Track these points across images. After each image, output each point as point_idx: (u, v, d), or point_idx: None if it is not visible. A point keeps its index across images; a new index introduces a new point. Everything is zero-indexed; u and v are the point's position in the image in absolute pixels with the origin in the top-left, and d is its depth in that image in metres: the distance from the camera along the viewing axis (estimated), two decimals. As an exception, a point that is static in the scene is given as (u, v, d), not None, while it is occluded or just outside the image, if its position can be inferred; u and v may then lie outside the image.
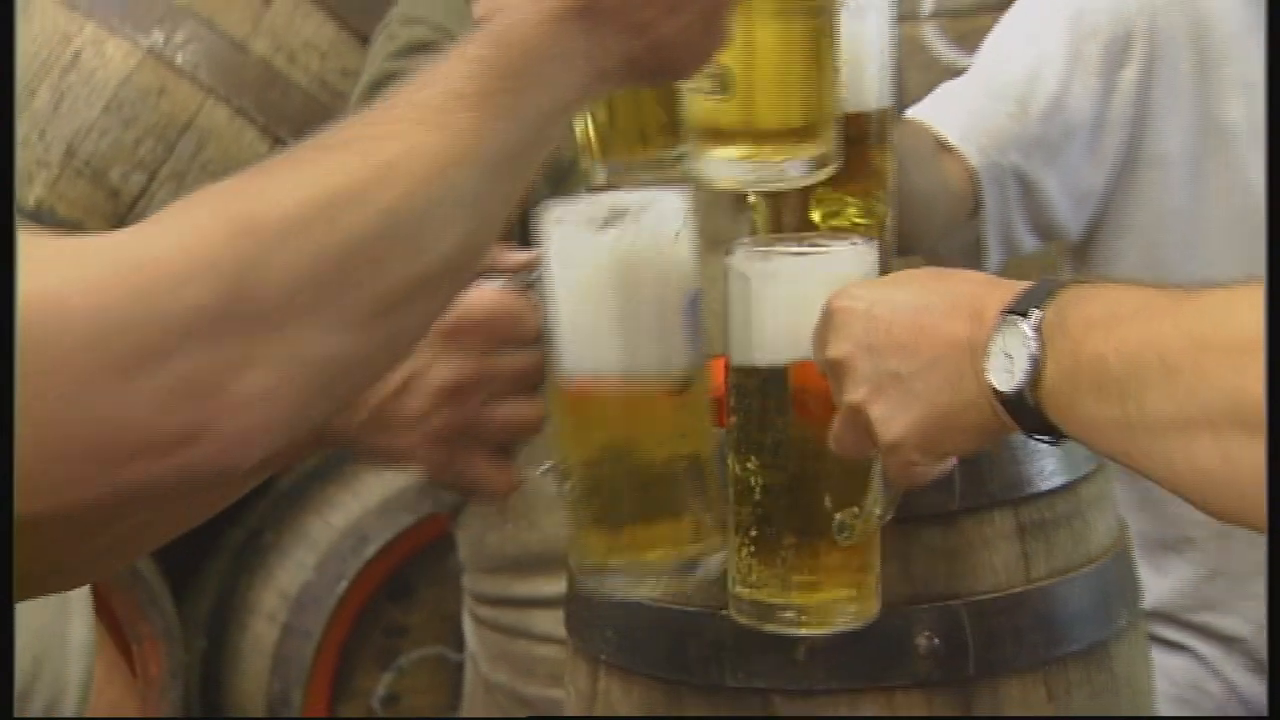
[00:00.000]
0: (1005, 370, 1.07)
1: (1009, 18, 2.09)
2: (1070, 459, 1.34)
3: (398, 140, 1.00)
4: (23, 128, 2.54)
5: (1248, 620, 2.05)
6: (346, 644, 2.47)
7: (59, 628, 1.77)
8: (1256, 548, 2.06)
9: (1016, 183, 1.89)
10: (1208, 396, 0.96)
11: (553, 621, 1.82)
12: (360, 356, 0.99)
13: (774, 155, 1.29)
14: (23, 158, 2.48)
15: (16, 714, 1.70)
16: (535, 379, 1.31)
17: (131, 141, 2.42)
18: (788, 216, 1.43)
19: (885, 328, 1.17)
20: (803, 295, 1.22)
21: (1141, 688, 1.38)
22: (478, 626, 2.04)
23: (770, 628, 1.27)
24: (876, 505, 1.25)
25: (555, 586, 1.75)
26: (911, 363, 1.16)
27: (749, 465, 1.28)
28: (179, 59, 2.42)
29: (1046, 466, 1.32)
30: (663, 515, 1.28)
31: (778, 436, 1.25)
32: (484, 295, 1.30)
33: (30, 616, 1.72)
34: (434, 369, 1.29)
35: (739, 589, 1.28)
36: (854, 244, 1.29)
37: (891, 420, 1.16)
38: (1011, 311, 1.07)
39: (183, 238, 0.92)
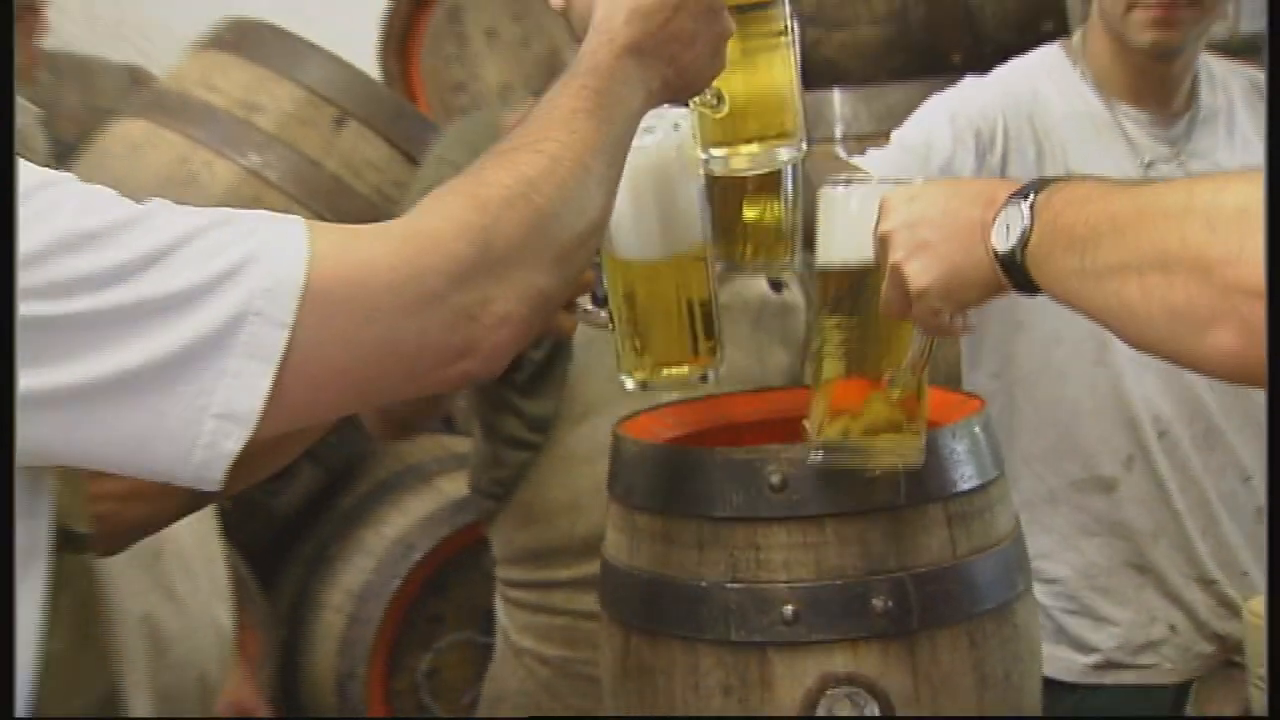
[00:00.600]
0: (1003, 237, 1.18)
1: (908, 121, 2.15)
2: (981, 466, 1.37)
3: (553, 141, 1.16)
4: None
5: (1068, 566, 2.09)
6: (397, 630, 2.47)
7: (211, 616, 1.76)
8: (1081, 512, 2.07)
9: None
10: (1139, 247, 1.07)
11: (565, 598, 1.89)
12: (555, 288, 1.14)
13: (761, 148, 1.38)
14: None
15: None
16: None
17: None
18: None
19: (921, 210, 1.28)
20: (869, 210, 1.33)
21: (1035, 636, 1.40)
22: (507, 605, 2.02)
23: (839, 465, 1.34)
24: (914, 356, 1.33)
25: (568, 571, 1.83)
26: (937, 234, 1.26)
27: (837, 338, 1.37)
28: (270, 175, 2.44)
29: (966, 472, 1.34)
30: (679, 341, 1.44)
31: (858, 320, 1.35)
32: None
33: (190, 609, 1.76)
34: None
35: (818, 437, 1.35)
36: (899, 181, 1.41)
37: (921, 274, 1.26)
38: (1015, 195, 1.18)
39: (442, 215, 1.10)
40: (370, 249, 1.06)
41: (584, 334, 1.80)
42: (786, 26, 1.38)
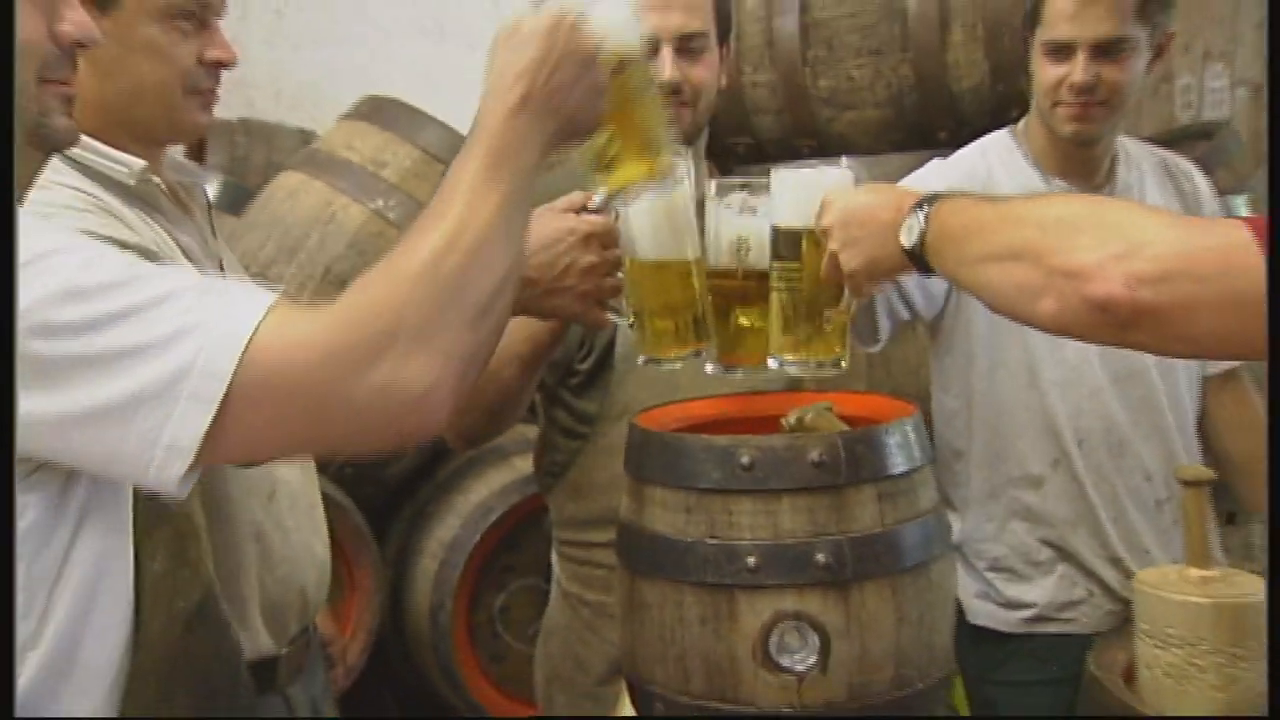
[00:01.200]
0: (908, 236, 1.30)
1: (906, 183, 2.12)
2: (909, 456, 1.37)
3: (458, 207, 1.07)
4: (299, 260, 2.54)
5: (1005, 546, 2.09)
6: (478, 575, 2.49)
7: (310, 548, 1.74)
8: (1015, 503, 2.08)
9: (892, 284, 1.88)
10: (995, 243, 1.19)
11: (603, 555, 1.81)
12: (478, 343, 1.05)
13: (646, 174, 1.35)
14: (298, 275, 2.51)
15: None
16: (619, 263, 1.45)
17: (364, 265, 2.30)
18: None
19: (851, 211, 1.36)
20: (814, 189, 1.41)
21: (949, 590, 1.42)
22: (560, 560, 2.03)
23: (792, 371, 1.49)
24: (843, 305, 1.45)
25: (605, 536, 1.71)
26: (862, 231, 1.35)
27: (781, 279, 1.45)
28: (391, 216, 2.50)
29: (896, 460, 1.35)
30: (682, 331, 1.48)
31: (797, 266, 1.44)
32: (594, 219, 1.43)
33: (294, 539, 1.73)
34: (578, 260, 1.44)
35: (773, 353, 1.48)
36: (839, 168, 1.50)
37: (851, 260, 1.36)
38: (916, 204, 1.29)
39: (364, 296, 1.02)
40: (306, 329, 1.00)
41: (622, 349, 1.83)
42: (652, 79, 1.33)
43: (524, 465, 2.47)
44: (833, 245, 1.37)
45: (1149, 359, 1.98)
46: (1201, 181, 2.12)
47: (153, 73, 1.39)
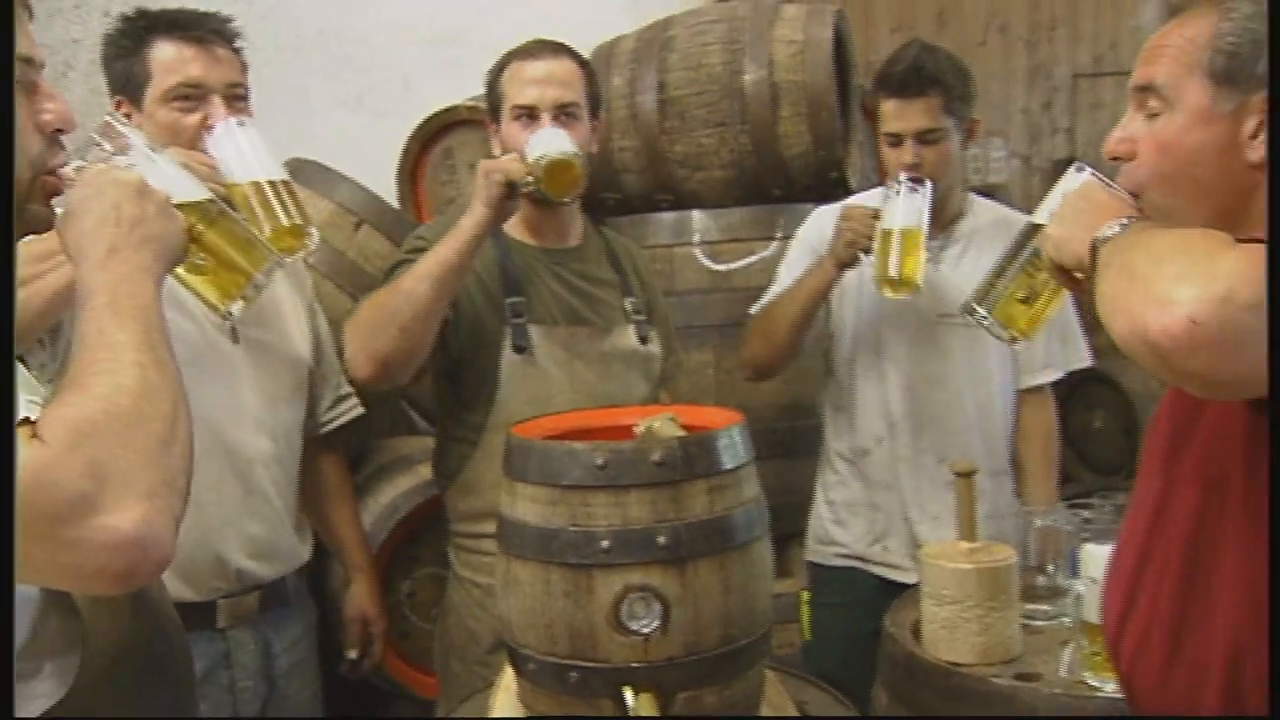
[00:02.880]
0: (1104, 232, 1.09)
1: (804, 227, 2.27)
2: (735, 456, 1.36)
3: (107, 360, 0.89)
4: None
5: (839, 496, 2.22)
6: (388, 564, 2.39)
7: (236, 525, 1.72)
8: (851, 466, 2.19)
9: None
10: (1153, 236, 1.02)
11: (490, 545, 1.69)
12: (173, 469, 0.89)
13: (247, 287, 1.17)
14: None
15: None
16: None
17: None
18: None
19: (1079, 199, 1.17)
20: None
21: (766, 565, 1.41)
22: (454, 550, 1.99)
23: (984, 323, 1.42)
24: (1039, 287, 1.36)
25: (492, 527, 1.62)
26: (1074, 213, 1.17)
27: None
28: (311, 260, 2.30)
29: (724, 459, 1.34)
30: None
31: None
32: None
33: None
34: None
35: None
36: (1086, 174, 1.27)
37: (1052, 227, 1.20)
38: (1124, 220, 1.09)
39: (76, 449, 0.81)
40: (27, 458, 0.80)
41: (507, 367, 1.83)
42: (222, 211, 1.17)
43: (426, 472, 2.42)
44: (1058, 216, 1.20)
45: (960, 368, 2.09)
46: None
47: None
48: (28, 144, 0.96)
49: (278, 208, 1.36)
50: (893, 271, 1.94)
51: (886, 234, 1.95)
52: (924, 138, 2.03)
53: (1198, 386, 0.97)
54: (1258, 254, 0.91)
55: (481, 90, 2.90)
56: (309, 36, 3.75)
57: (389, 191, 2.93)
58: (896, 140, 2.05)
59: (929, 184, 1.96)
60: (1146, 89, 1.13)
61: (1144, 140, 1.14)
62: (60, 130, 1.00)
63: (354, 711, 2.27)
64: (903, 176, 1.98)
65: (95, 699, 0.98)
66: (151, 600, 1.10)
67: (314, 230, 1.39)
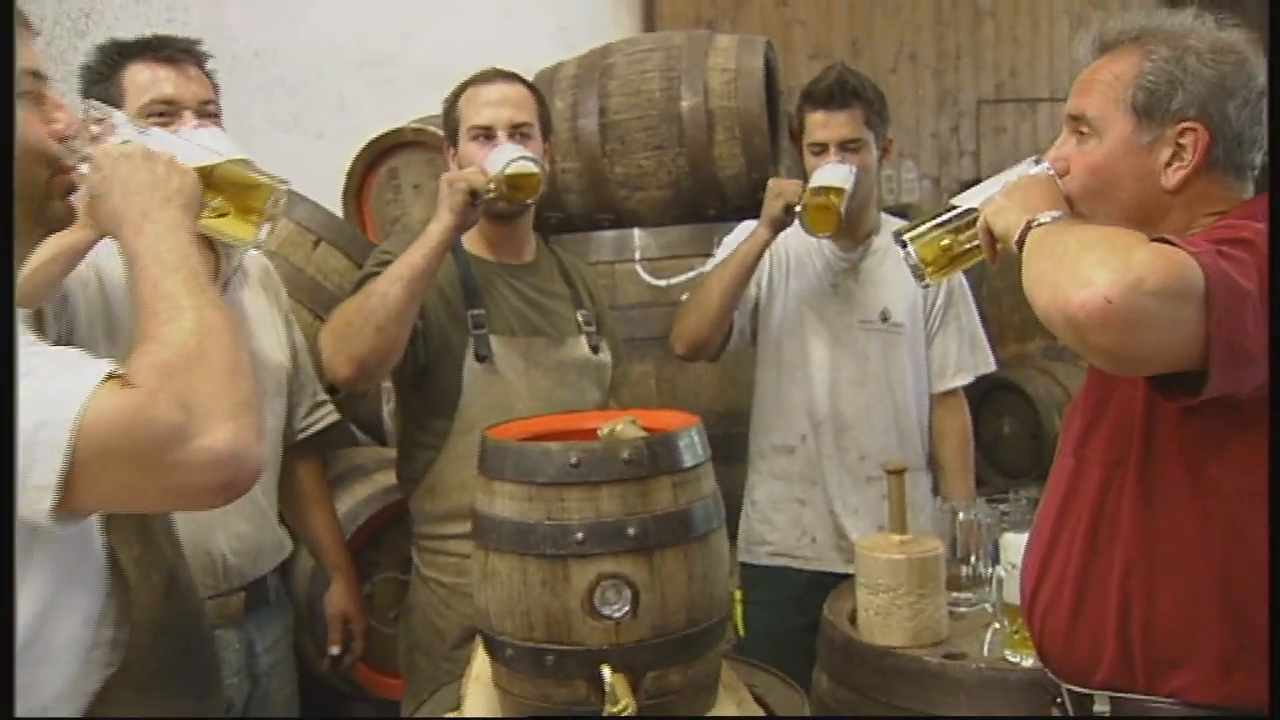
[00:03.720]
0: (1036, 218, 1.18)
1: (732, 235, 2.33)
2: (694, 454, 1.42)
3: (187, 307, 0.99)
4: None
5: (764, 494, 2.30)
6: None
7: (226, 525, 1.75)
8: (774, 464, 2.28)
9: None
10: (1074, 228, 1.14)
11: (456, 545, 1.89)
12: (243, 396, 0.97)
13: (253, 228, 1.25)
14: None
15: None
16: None
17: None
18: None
19: (1015, 188, 1.27)
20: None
21: (724, 554, 1.47)
22: (420, 551, 2.03)
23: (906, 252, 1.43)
24: (965, 238, 1.39)
25: (458, 528, 1.80)
26: (1010, 202, 1.26)
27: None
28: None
29: (686, 457, 1.40)
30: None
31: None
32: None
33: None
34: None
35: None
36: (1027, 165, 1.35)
37: (989, 209, 1.28)
38: (1052, 210, 1.19)
39: (169, 381, 0.94)
40: (123, 402, 0.91)
41: (470, 375, 1.89)
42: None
43: (383, 480, 2.45)
44: (1007, 188, 1.29)
45: (877, 371, 2.21)
46: None
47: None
48: (44, 148, 1.04)
49: (258, 168, 1.35)
50: (820, 181, 2.06)
51: (815, 188, 2.10)
52: (846, 146, 2.18)
53: (1104, 359, 1.08)
54: (1168, 250, 1.05)
55: (412, 112, 3.03)
56: (244, 58, 3.77)
57: (334, 211, 2.92)
58: (821, 149, 2.19)
59: (854, 169, 2.10)
60: (1079, 117, 1.27)
61: (1075, 160, 1.28)
62: (70, 137, 1.07)
63: (315, 713, 2.26)
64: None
65: (143, 671, 1.07)
66: (183, 585, 1.19)
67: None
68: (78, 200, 1.10)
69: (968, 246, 1.39)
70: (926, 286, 1.55)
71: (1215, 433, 1.16)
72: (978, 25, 5.95)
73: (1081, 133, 1.27)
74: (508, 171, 1.79)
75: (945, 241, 1.40)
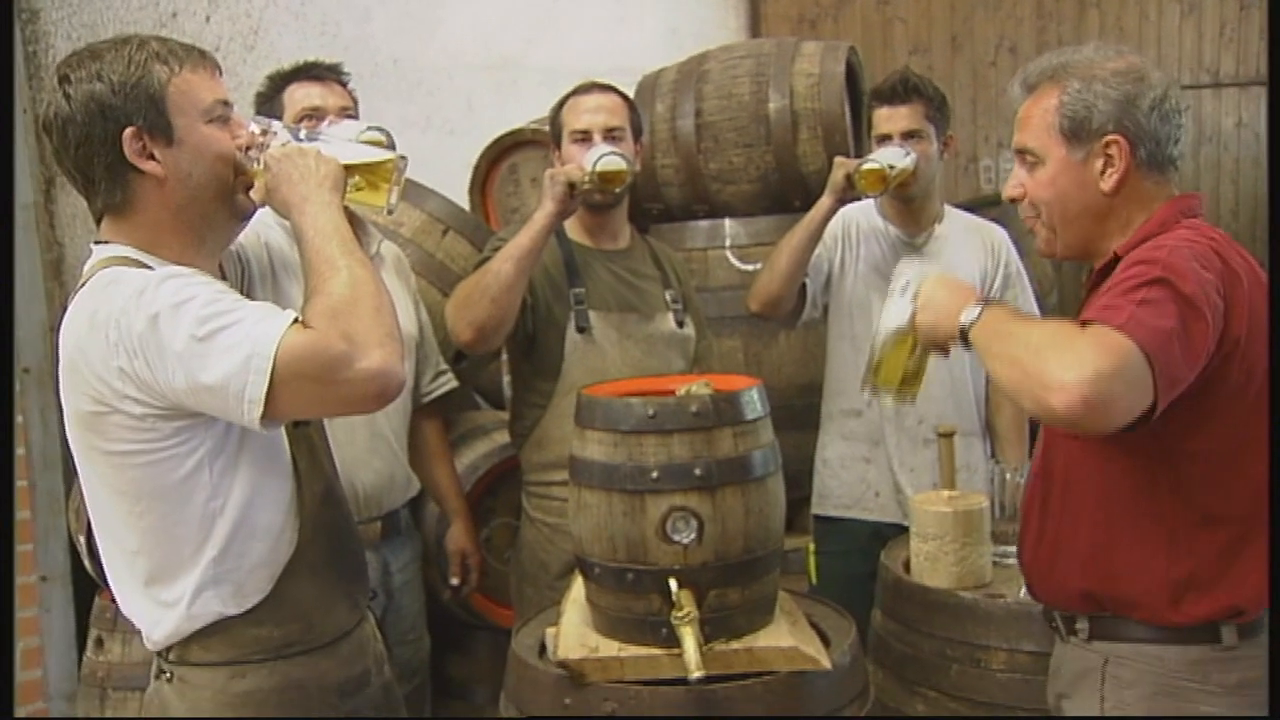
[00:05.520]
0: (965, 317, 1.37)
1: None
2: (754, 409, 1.54)
3: (344, 267, 1.22)
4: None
5: (835, 453, 2.44)
6: (470, 515, 2.41)
7: (365, 462, 1.99)
8: (844, 425, 2.43)
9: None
10: (1005, 351, 1.27)
11: (559, 490, 2.06)
12: (387, 331, 1.19)
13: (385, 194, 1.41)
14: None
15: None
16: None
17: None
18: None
19: (935, 290, 1.44)
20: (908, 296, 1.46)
21: (779, 494, 1.59)
22: (528, 496, 2.22)
23: (875, 397, 1.59)
24: (914, 355, 1.52)
25: (560, 475, 1.89)
26: (937, 303, 1.43)
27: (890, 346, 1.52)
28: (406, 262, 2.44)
29: (747, 410, 1.53)
30: None
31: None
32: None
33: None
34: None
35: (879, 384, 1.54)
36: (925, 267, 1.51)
37: (924, 318, 1.44)
38: (976, 303, 1.38)
39: (335, 322, 1.18)
40: (310, 338, 1.15)
41: (571, 344, 2.10)
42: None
43: (500, 438, 2.66)
44: (917, 304, 1.48)
45: None
46: (1000, 234, 2.51)
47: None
48: (231, 156, 1.32)
49: (383, 149, 1.55)
50: (874, 157, 2.22)
51: (869, 159, 2.25)
52: (908, 137, 2.33)
53: (1089, 431, 1.27)
54: (1103, 335, 1.19)
55: (534, 111, 3.20)
56: (384, 65, 4.02)
57: (460, 202, 3.12)
58: (886, 140, 2.34)
59: (913, 153, 2.25)
60: (1023, 151, 1.46)
61: (1028, 186, 1.46)
62: (249, 147, 1.35)
63: (442, 636, 2.48)
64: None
65: (313, 555, 1.34)
66: (337, 495, 1.45)
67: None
68: (254, 193, 1.37)
69: (919, 358, 1.55)
70: (912, 403, 1.69)
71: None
72: (1082, 17, 5.86)
73: (1029, 162, 1.45)
74: (599, 168, 2.02)
75: (901, 369, 1.55)
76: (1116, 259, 1.39)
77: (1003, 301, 1.44)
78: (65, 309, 1.26)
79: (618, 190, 2.08)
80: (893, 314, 1.53)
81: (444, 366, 2.31)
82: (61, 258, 3.12)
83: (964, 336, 1.37)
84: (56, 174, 3.39)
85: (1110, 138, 1.39)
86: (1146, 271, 1.26)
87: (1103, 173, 1.40)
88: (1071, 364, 1.16)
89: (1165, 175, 1.43)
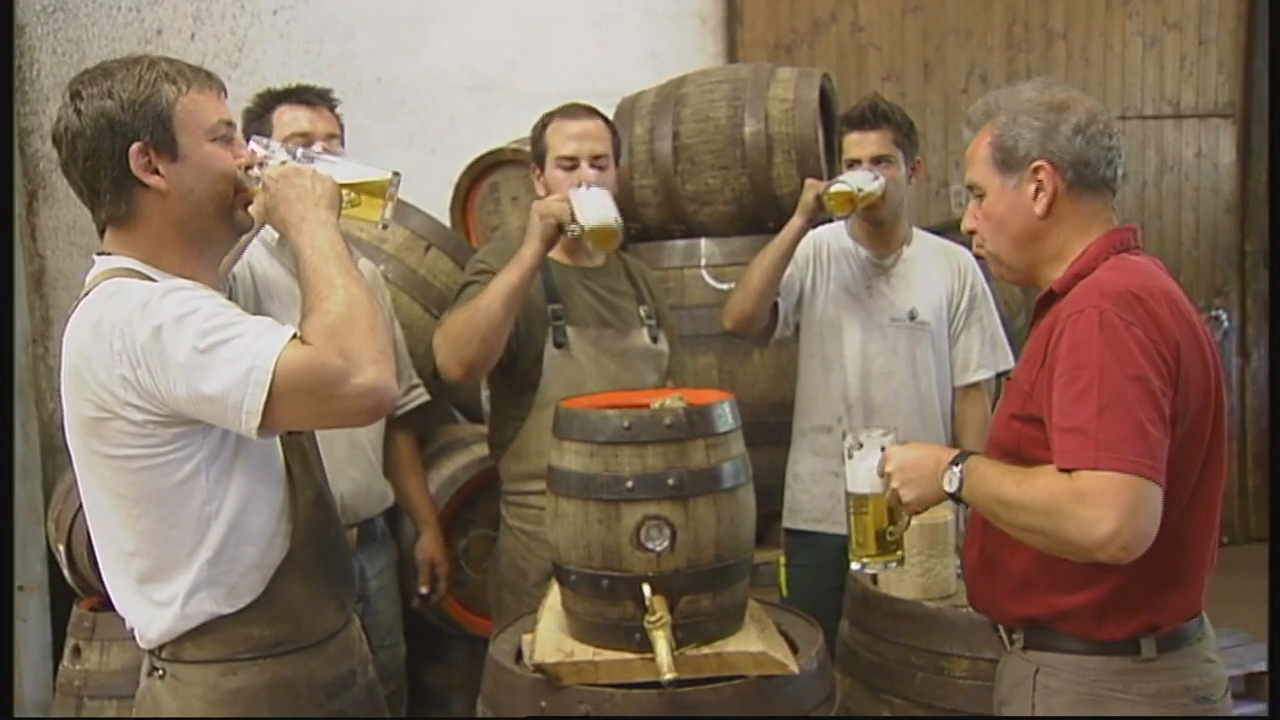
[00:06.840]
0: (949, 483, 1.44)
1: None
2: (725, 422, 1.57)
3: (341, 286, 1.23)
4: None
5: (805, 469, 2.47)
6: (449, 525, 2.51)
7: (344, 473, 1.99)
8: (814, 441, 2.46)
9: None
10: (1015, 519, 1.35)
11: (536, 499, 2.09)
12: (381, 348, 1.21)
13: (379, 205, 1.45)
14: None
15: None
16: None
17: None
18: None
19: (905, 462, 1.50)
20: (873, 461, 1.52)
21: (749, 504, 1.62)
22: (507, 506, 2.23)
23: (870, 570, 1.60)
24: (902, 524, 1.57)
25: (539, 485, 1.86)
26: (916, 474, 1.49)
27: (857, 515, 1.56)
28: (390, 275, 2.60)
29: (718, 424, 1.56)
30: None
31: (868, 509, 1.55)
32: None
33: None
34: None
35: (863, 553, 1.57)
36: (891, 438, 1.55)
37: (908, 494, 1.50)
38: (952, 461, 1.44)
39: (332, 340, 1.20)
40: (308, 354, 1.18)
41: (549, 359, 2.13)
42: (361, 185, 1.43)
43: (479, 451, 2.67)
44: (894, 484, 1.51)
45: (904, 363, 2.40)
46: (966, 256, 2.55)
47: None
48: (232, 174, 1.36)
49: (373, 168, 1.55)
50: (843, 179, 2.26)
51: (837, 182, 2.31)
52: (877, 162, 2.39)
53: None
54: (1088, 483, 1.25)
55: (515, 131, 3.18)
56: (368, 84, 4.05)
57: (442, 220, 3.15)
58: (856, 164, 2.40)
59: (881, 177, 2.31)
60: (971, 186, 1.56)
61: (979, 216, 1.56)
62: (249, 166, 1.38)
63: (419, 643, 2.51)
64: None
65: (303, 558, 1.37)
66: (326, 500, 1.48)
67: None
68: (253, 210, 1.41)
69: (896, 525, 1.59)
70: (901, 565, 1.69)
71: None
72: (1049, 48, 5.98)
73: (978, 196, 1.55)
74: (593, 224, 2.01)
75: (882, 536, 1.60)
76: (1053, 294, 1.47)
77: (967, 453, 1.48)
78: (46, 320, 1.25)
79: (605, 250, 2.09)
80: (858, 480, 1.58)
81: (417, 380, 2.35)
82: (43, 269, 3.15)
83: (955, 497, 1.44)
84: (39, 187, 3.44)
85: (1036, 163, 1.47)
86: (1084, 375, 1.30)
87: (1035, 197, 1.48)
88: (1087, 528, 1.24)
89: (1101, 196, 1.50)
